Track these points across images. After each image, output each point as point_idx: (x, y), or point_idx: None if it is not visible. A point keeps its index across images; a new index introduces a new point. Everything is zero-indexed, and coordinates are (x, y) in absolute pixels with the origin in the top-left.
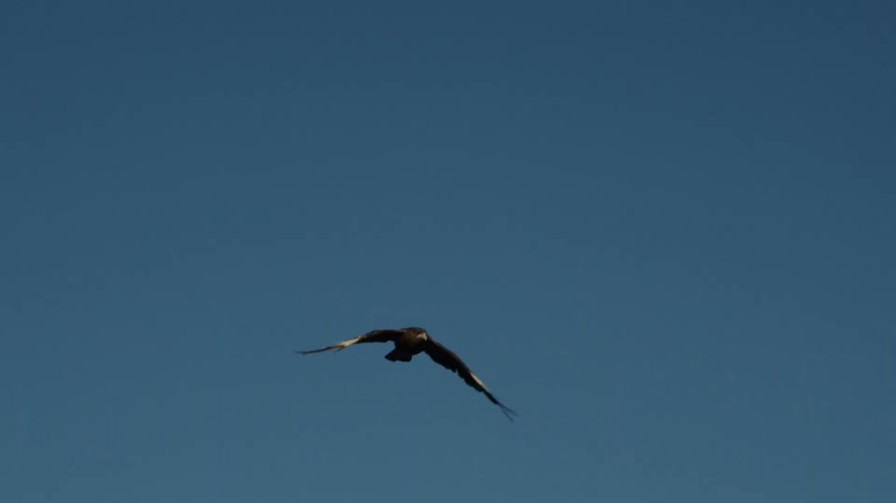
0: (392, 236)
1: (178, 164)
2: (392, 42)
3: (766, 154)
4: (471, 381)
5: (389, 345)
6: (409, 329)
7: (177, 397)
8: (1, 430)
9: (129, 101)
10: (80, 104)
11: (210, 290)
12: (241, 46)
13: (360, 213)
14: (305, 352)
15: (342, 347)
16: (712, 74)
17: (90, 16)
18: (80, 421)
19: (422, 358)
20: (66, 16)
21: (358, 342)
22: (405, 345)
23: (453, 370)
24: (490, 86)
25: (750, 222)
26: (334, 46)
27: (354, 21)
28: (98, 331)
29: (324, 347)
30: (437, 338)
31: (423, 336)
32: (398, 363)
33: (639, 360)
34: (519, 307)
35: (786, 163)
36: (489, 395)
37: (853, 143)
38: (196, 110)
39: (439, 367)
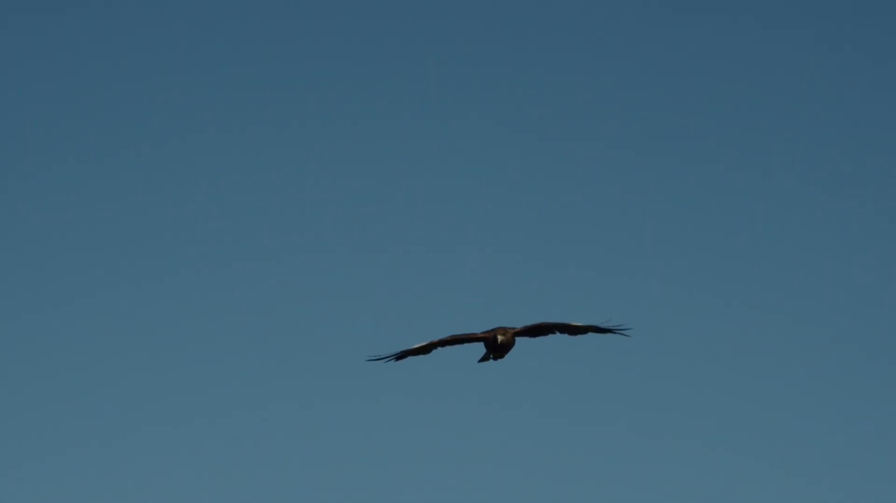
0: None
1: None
2: (412, 47)
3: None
4: (575, 331)
5: (473, 349)
6: (495, 330)
7: (253, 401)
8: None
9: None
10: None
11: (278, 295)
12: (244, 50)
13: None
14: (377, 359)
15: (417, 351)
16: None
17: (89, 16)
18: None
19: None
20: (64, 16)
21: (430, 347)
22: (495, 347)
23: (552, 334)
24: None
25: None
26: (350, 49)
27: (355, 24)
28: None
29: (395, 353)
30: (515, 320)
31: (506, 337)
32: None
33: None
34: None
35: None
36: (597, 328)
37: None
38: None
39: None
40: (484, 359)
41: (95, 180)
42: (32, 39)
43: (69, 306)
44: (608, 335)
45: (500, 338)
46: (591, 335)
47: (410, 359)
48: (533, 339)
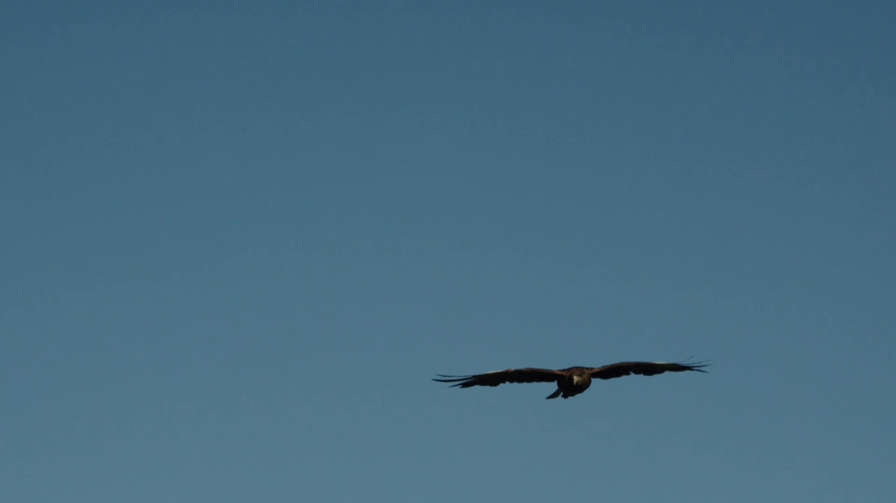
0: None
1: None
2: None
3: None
4: (653, 370)
5: (542, 386)
6: (569, 370)
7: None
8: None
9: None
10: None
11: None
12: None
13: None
14: (445, 380)
15: (488, 379)
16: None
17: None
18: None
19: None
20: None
21: (503, 376)
22: (569, 387)
23: (627, 375)
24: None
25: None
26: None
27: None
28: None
29: (465, 378)
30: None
31: (583, 379)
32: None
33: None
34: None
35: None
36: (676, 366)
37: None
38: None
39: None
40: (553, 396)
41: (97, 180)
42: (34, 39)
43: (70, 306)
44: (685, 372)
45: (576, 378)
46: (666, 374)
47: (476, 388)
48: (606, 381)
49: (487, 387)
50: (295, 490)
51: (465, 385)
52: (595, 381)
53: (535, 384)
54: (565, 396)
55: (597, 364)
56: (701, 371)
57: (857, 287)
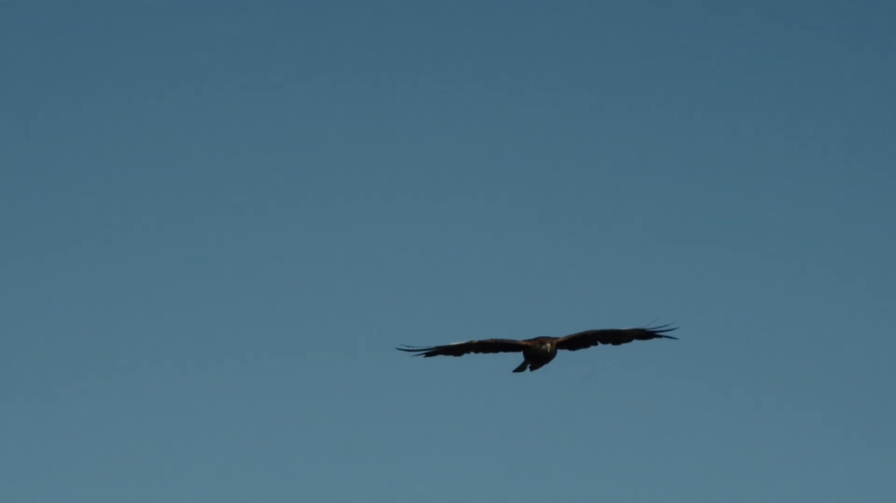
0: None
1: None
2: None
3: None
4: (620, 338)
5: (509, 356)
6: (535, 340)
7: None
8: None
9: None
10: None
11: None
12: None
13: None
14: (409, 350)
15: (451, 350)
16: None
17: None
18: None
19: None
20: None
21: (466, 347)
22: (535, 357)
23: (597, 344)
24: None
25: None
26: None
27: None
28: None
29: (427, 349)
30: (555, 329)
31: (548, 347)
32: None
33: None
34: None
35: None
36: (643, 332)
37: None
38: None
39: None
40: (520, 369)
41: (100, 182)
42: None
43: (71, 307)
44: (653, 340)
45: (543, 347)
46: (634, 343)
47: (439, 358)
48: (573, 352)
49: (451, 357)
50: (256, 458)
51: (428, 355)
52: (561, 353)
53: (500, 355)
54: (532, 368)
55: (562, 334)
56: (669, 337)
57: (827, 245)
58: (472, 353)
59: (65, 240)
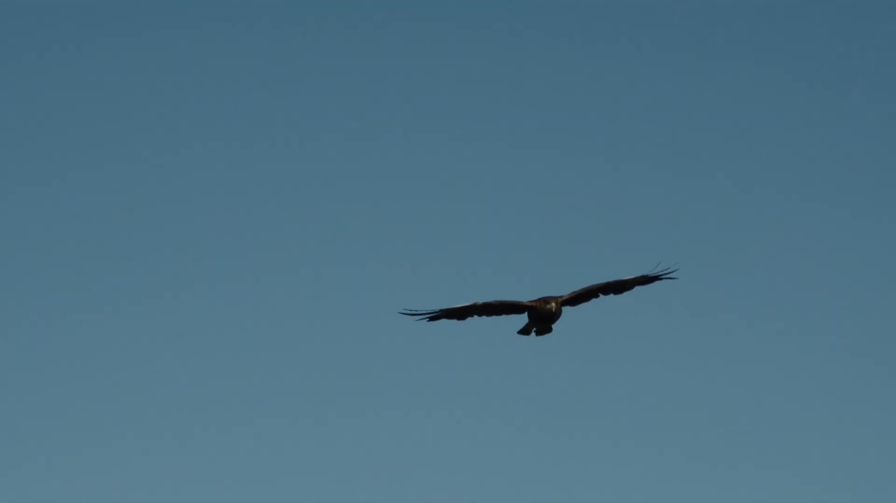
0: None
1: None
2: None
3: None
4: (623, 287)
5: (513, 319)
6: (539, 300)
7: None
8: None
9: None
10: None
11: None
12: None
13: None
14: (412, 314)
15: (455, 313)
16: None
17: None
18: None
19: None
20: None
21: (470, 309)
22: (540, 318)
23: (596, 297)
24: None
25: None
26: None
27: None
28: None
29: (432, 312)
30: (560, 287)
31: (553, 306)
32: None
33: None
34: None
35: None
36: (645, 278)
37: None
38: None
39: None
40: (524, 331)
41: (105, 188)
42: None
43: (73, 314)
44: (654, 285)
45: (548, 306)
46: (636, 290)
47: (442, 322)
48: (575, 309)
49: (455, 321)
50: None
51: (431, 319)
52: (565, 310)
53: (504, 317)
54: (538, 333)
55: (564, 292)
56: (670, 278)
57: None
58: (476, 317)
59: (63, 240)
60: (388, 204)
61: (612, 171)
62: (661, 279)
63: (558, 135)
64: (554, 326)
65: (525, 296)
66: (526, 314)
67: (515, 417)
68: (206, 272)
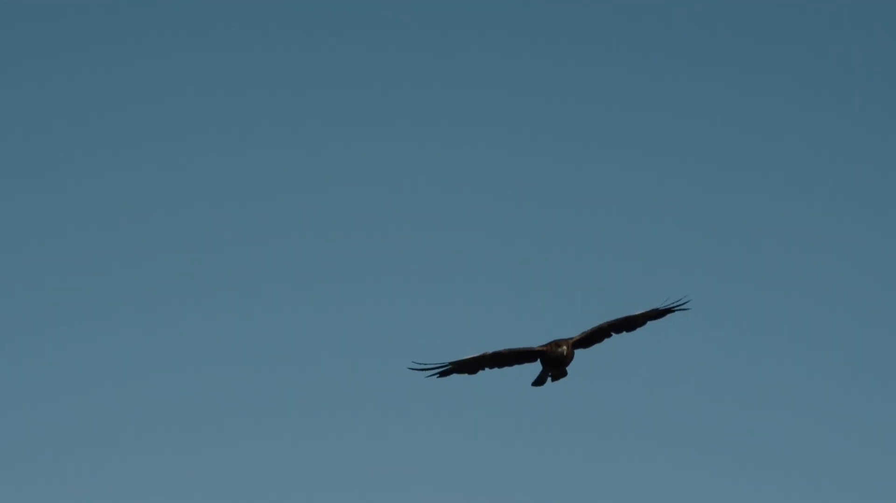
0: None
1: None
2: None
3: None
4: (635, 323)
5: (526, 369)
6: (550, 344)
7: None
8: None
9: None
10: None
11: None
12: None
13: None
14: (422, 368)
15: (465, 365)
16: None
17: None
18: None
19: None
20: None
21: (481, 360)
22: (552, 362)
23: (608, 337)
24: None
25: None
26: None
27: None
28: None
29: (442, 365)
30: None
31: (564, 349)
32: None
33: None
34: None
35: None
36: (657, 312)
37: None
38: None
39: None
40: (539, 381)
41: (107, 194)
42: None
43: (74, 324)
44: (666, 318)
45: (560, 349)
46: (648, 325)
47: (454, 377)
48: (587, 351)
49: (466, 376)
50: (266, 479)
51: (441, 374)
52: (578, 353)
53: (516, 368)
54: (553, 378)
55: (574, 333)
56: (683, 310)
57: (826, 220)
58: (487, 369)
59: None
60: (399, 260)
61: (614, 179)
62: (673, 311)
63: (558, 139)
64: (568, 369)
65: (534, 341)
66: (538, 361)
67: (528, 447)
68: (210, 279)
